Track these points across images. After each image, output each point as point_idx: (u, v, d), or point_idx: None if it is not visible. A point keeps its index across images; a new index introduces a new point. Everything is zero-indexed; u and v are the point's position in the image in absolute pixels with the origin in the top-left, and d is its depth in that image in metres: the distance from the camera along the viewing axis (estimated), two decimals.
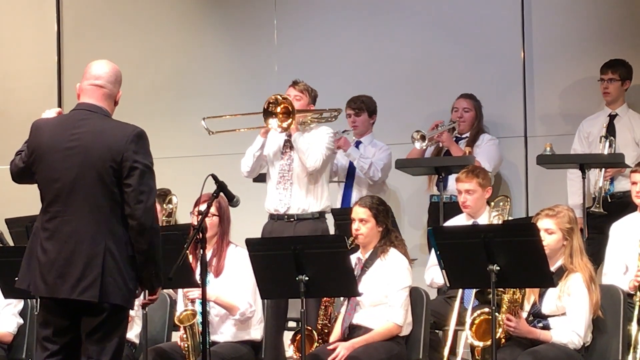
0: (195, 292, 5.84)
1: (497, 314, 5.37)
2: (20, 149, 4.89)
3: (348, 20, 8.74)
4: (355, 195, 7.70)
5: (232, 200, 5.26)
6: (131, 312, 5.30)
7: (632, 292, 5.88)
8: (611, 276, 6.14)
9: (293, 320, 7.37)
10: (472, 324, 5.68)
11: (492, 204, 6.63)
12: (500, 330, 5.47)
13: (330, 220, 7.18)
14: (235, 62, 9.13)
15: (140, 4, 9.51)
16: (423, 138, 7.62)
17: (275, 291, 5.82)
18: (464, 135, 7.87)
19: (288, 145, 7.02)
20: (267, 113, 6.77)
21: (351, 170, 7.79)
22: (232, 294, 6.06)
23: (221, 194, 5.23)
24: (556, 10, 8.19)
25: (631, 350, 5.69)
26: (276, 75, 8.83)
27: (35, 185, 4.86)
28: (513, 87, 8.23)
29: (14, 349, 6.70)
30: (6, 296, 6.41)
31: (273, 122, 6.77)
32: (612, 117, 7.60)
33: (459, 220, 6.76)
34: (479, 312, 5.70)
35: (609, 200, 7.36)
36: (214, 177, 5.18)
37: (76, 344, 4.70)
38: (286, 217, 6.94)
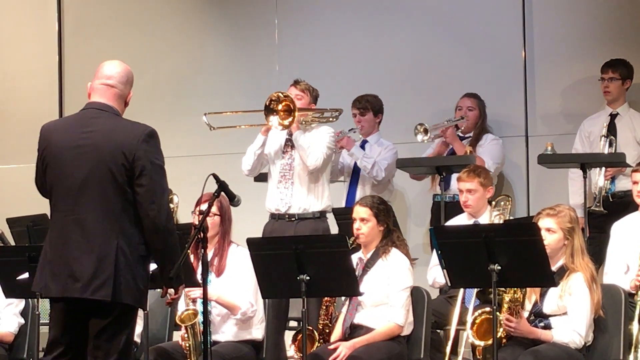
0: (197, 292, 5.84)
1: (498, 313, 5.37)
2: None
3: (349, 20, 8.74)
4: (359, 195, 7.70)
5: (233, 199, 5.26)
6: None
7: (633, 292, 5.88)
8: (612, 276, 6.14)
9: (294, 320, 7.37)
10: (473, 323, 5.68)
11: (494, 203, 6.63)
12: (501, 329, 5.47)
13: (331, 219, 7.18)
14: (236, 62, 9.14)
15: (141, 4, 9.51)
16: (426, 131, 7.62)
17: (276, 291, 5.82)
18: (467, 135, 7.87)
19: (289, 144, 7.02)
20: (269, 110, 6.77)
21: (356, 169, 7.79)
22: (233, 293, 6.06)
23: (222, 193, 5.23)
24: (557, 10, 8.19)
25: (632, 350, 5.69)
26: (277, 74, 8.83)
27: (36, 185, 4.86)
28: (514, 86, 8.24)
29: (15, 349, 6.70)
30: (7, 296, 6.41)
31: (274, 120, 6.77)
32: (613, 117, 7.60)
33: (460, 220, 6.77)
34: (480, 311, 5.70)
35: (610, 199, 7.36)
36: (215, 176, 5.18)
37: (83, 343, 4.68)
38: (287, 216, 6.94)
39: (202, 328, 5.71)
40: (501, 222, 6.43)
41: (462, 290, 6.23)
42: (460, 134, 7.88)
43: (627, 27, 8.00)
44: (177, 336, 6.31)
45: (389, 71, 8.57)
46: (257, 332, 6.18)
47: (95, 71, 4.86)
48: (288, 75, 7.70)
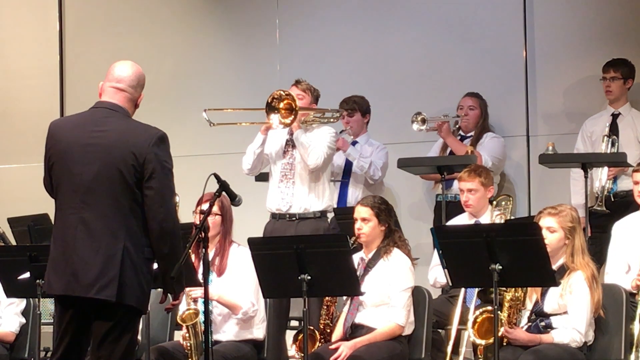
0: (198, 291, 5.84)
1: (499, 312, 5.37)
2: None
3: (350, 19, 8.74)
4: (351, 195, 7.72)
5: (234, 199, 5.26)
6: None
7: (634, 291, 5.88)
8: (613, 275, 6.14)
9: (295, 320, 7.38)
10: (474, 322, 5.69)
11: (495, 203, 6.64)
12: (502, 328, 5.47)
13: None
14: (237, 61, 9.14)
15: (142, 3, 9.51)
16: (423, 121, 7.63)
17: (277, 290, 5.82)
18: (468, 134, 7.87)
19: (290, 143, 7.02)
20: (270, 108, 6.77)
21: (347, 169, 7.79)
22: (234, 293, 6.06)
23: (223, 193, 5.23)
24: (558, 10, 8.18)
25: (633, 350, 5.68)
26: (278, 74, 8.83)
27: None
28: (515, 86, 8.23)
29: (16, 349, 6.70)
30: (8, 295, 6.41)
31: (275, 118, 6.76)
32: (615, 116, 7.60)
33: (461, 220, 6.77)
34: (481, 310, 5.71)
35: (612, 199, 7.36)
36: (216, 176, 5.18)
37: (84, 343, 4.68)
38: (288, 216, 6.94)
39: (203, 327, 5.71)
40: (502, 221, 6.44)
41: (463, 289, 6.23)
42: (462, 134, 7.88)
43: (629, 27, 8.00)
44: (178, 336, 6.31)
45: (390, 71, 8.56)
46: (259, 331, 6.18)
47: (107, 71, 4.84)
48: (289, 74, 7.70)
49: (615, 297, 5.69)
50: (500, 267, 5.18)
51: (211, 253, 6.08)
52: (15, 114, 9.68)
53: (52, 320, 5.78)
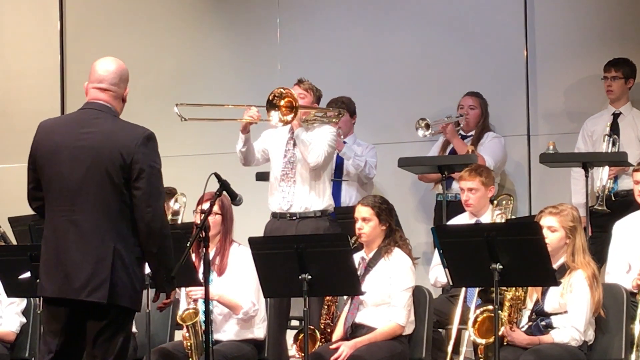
0: (199, 291, 5.84)
1: (499, 312, 5.37)
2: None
3: (351, 18, 8.74)
4: (345, 194, 7.74)
5: (235, 198, 5.26)
6: None
7: (635, 291, 5.88)
8: (614, 275, 6.13)
9: (296, 319, 7.37)
10: (474, 321, 5.69)
11: (495, 202, 6.63)
12: (502, 328, 5.47)
13: None
14: (238, 61, 9.13)
15: (143, 3, 9.51)
16: (427, 126, 7.63)
17: (278, 290, 5.82)
18: (469, 134, 7.87)
19: (291, 143, 7.02)
20: (271, 105, 6.77)
21: (338, 168, 7.79)
22: (235, 292, 6.06)
23: (224, 192, 5.23)
24: (559, 9, 8.18)
25: (634, 349, 5.68)
26: (279, 73, 8.83)
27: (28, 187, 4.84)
28: (516, 85, 8.23)
29: (17, 348, 6.70)
30: (9, 295, 6.41)
31: (275, 115, 6.76)
32: (615, 116, 7.60)
33: (462, 219, 6.77)
34: (481, 309, 5.71)
35: (613, 198, 7.35)
36: (217, 175, 5.18)
37: (78, 345, 4.69)
38: (288, 215, 6.94)
39: (203, 327, 5.71)
40: (503, 221, 6.43)
41: (464, 289, 6.22)
42: (462, 133, 7.88)
43: (630, 26, 7.99)
44: (178, 336, 6.31)
45: (390, 70, 8.56)
46: (259, 331, 6.18)
47: (90, 70, 4.83)
48: (290, 74, 7.69)
49: (616, 296, 5.69)
50: (501, 267, 5.18)
51: (211, 253, 6.08)
52: (15, 114, 9.67)
53: None
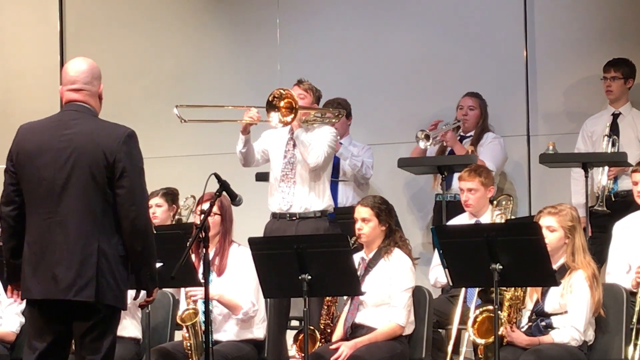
0: (199, 292, 5.84)
1: (499, 312, 5.37)
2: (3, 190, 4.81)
3: (351, 19, 8.73)
4: (342, 195, 7.74)
5: (234, 199, 5.26)
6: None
7: (635, 290, 5.88)
8: (614, 275, 6.13)
9: (296, 320, 7.38)
10: (474, 321, 5.69)
11: (495, 202, 6.63)
12: (502, 328, 5.47)
13: None
14: (237, 61, 9.13)
15: (142, 3, 9.50)
16: (427, 137, 7.62)
17: (278, 290, 5.82)
18: (468, 134, 7.87)
19: (291, 143, 7.02)
20: (271, 106, 6.77)
21: (335, 169, 7.79)
22: (235, 293, 6.06)
23: (224, 193, 5.23)
24: (559, 9, 8.18)
25: (634, 349, 5.68)
26: (279, 74, 8.83)
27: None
28: (516, 85, 8.23)
29: (17, 348, 6.69)
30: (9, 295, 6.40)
31: (275, 116, 6.77)
32: (615, 116, 7.60)
33: (462, 219, 6.77)
34: (481, 309, 5.71)
35: (613, 199, 7.35)
36: (217, 176, 5.18)
37: (64, 345, 4.70)
38: (288, 215, 6.94)
39: (203, 327, 5.71)
40: (502, 221, 6.43)
41: (463, 289, 6.23)
42: (462, 134, 7.88)
43: (629, 26, 7.99)
44: (178, 335, 6.31)
45: (390, 70, 8.56)
46: (259, 331, 6.18)
47: (62, 75, 4.82)
48: (290, 74, 7.69)
49: (616, 296, 5.69)
50: (501, 267, 5.19)
51: (211, 253, 6.07)
52: (15, 114, 9.66)
53: None
